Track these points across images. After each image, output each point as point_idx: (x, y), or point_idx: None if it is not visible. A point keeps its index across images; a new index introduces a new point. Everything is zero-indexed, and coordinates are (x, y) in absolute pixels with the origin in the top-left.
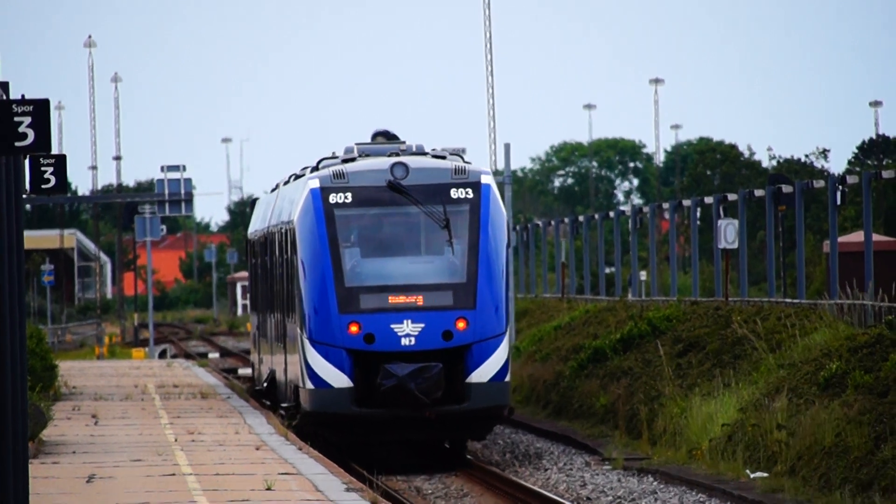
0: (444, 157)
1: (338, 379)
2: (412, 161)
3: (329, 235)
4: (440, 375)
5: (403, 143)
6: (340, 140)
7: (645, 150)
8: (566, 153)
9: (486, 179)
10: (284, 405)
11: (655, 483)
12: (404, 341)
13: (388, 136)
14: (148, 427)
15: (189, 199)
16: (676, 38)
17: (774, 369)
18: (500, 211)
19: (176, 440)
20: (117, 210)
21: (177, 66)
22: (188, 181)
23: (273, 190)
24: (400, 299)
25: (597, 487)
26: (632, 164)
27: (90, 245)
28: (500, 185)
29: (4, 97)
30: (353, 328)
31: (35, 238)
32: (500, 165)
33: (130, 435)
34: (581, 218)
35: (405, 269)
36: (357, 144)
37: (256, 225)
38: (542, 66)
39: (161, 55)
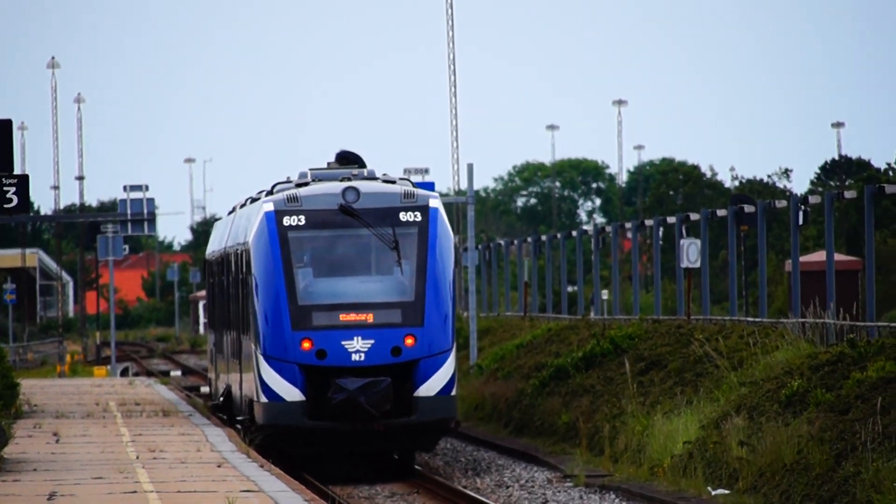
0: (393, 182)
1: (290, 393)
2: (363, 185)
3: (283, 256)
4: (389, 389)
5: (356, 167)
6: (304, 160)
7: (608, 171)
8: (529, 173)
9: (434, 203)
10: (240, 418)
11: (617, 500)
12: (354, 357)
13: (351, 157)
14: (110, 445)
15: (152, 219)
16: (640, 60)
17: (736, 387)
18: (447, 233)
19: (138, 458)
20: (80, 229)
21: (140, 86)
22: (151, 201)
23: (230, 213)
24: (350, 317)
25: None
26: (594, 185)
27: (52, 264)
28: (464, 205)
29: None
30: (306, 344)
31: None
32: (464, 185)
33: (92, 453)
34: (544, 237)
35: (356, 289)
36: (311, 169)
37: (214, 246)
38: (506, 86)
39: (124, 76)
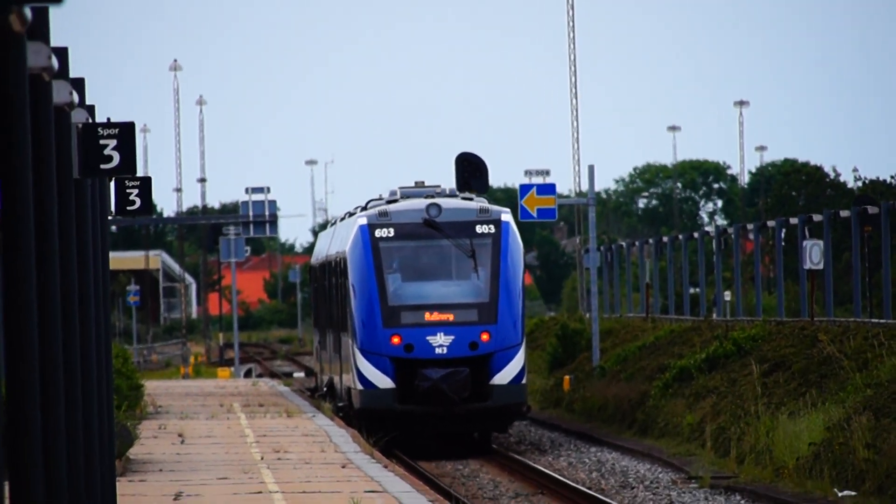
0: (471, 199)
1: (383, 381)
2: (444, 202)
3: (375, 263)
4: (467, 378)
5: (438, 187)
6: (425, 162)
7: (729, 172)
8: (650, 175)
9: (506, 217)
10: (340, 405)
11: (742, 501)
12: (438, 350)
13: (472, 158)
14: (234, 445)
15: (273, 221)
16: (761, 60)
17: (862, 388)
18: (517, 243)
19: (262, 458)
20: (202, 231)
21: (261, 88)
22: (272, 203)
23: (331, 225)
24: (434, 316)
25: None
26: (716, 186)
27: (175, 266)
28: (585, 207)
29: (90, 120)
30: (395, 339)
31: (121, 259)
32: (585, 186)
33: (217, 453)
34: (665, 239)
35: (438, 291)
36: (400, 188)
37: (318, 255)
38: (627, 87)
39: (245, 78)
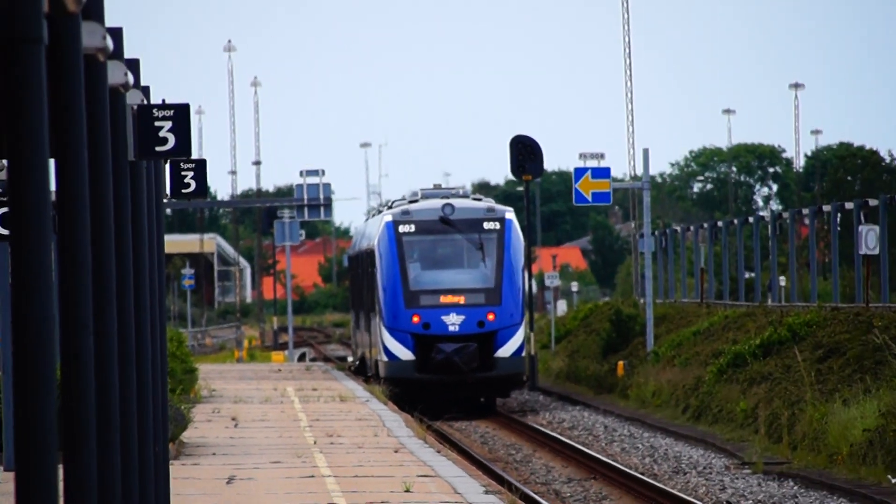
0: (480, 200)
1: (405, 354)
2: (458, 202)
3: (398, 254)
4: (476, 352)
5: (452, 188)
6: (478, 145)
7: (784, 156)
8: (705, 158)
9: (509, 216)
10: (369, 375)
11: (796, 487)
12: (451, 328)
13: (527, 141)
14: (287, 430)
15: (328, 204)
16: (816, 43)
17: None
18: (519, 238)
19: (315, 443)
20: (257, 215)
21: (315, 70)
22: (327, 186)
23: (365, 221)
24: (448, 299)
25: (737, 491)
26: (771, 170)
27: (230, 249)
28: (639, 191)
29: (145, 102)
30: (415, 319)
31: (176, 242)
32: (640, 170)
33: (270, 437)
34: (720, 223)
35: (451, 278)
36: (421, 189)
37: (353, 247)
38: (682, 70)
39: (300, 59)
